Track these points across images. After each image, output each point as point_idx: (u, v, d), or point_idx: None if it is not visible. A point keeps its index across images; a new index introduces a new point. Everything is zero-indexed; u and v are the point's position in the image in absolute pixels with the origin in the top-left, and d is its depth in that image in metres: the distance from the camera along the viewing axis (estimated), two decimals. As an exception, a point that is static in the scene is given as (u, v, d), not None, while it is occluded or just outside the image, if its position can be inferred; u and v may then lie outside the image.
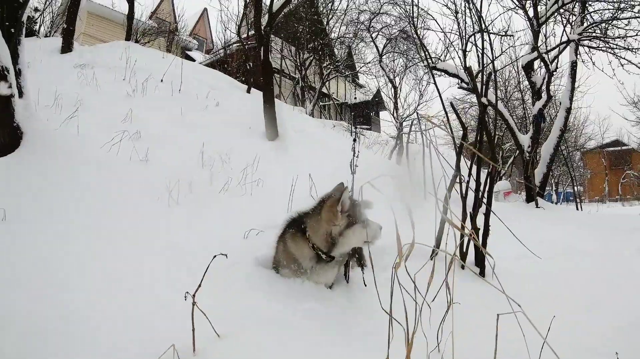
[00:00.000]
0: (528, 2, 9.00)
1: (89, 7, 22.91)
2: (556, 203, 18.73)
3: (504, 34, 9.77)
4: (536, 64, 9.87)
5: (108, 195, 3.14)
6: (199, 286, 1.60)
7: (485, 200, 2.94)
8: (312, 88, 21.89)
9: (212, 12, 33.60)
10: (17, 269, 2.13)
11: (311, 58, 21.28)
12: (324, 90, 21.88)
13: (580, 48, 9.39)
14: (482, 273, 2.80)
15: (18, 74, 4.03)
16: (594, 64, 9.75)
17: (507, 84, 17.14)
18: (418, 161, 7.04)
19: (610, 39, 9.01)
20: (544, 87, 8.99)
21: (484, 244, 2.67)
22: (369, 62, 22.04)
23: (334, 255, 2.47)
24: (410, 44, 16.78)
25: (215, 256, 1.68)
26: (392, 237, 2.49)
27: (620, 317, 2.36)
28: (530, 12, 8.83)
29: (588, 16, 9.13)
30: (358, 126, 19.94)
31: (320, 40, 20.85)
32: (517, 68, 13.11)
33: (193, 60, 20.98)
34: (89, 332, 1.77)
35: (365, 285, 2.65)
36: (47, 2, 16.76)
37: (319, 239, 2.43)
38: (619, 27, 8.82)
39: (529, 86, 12.05)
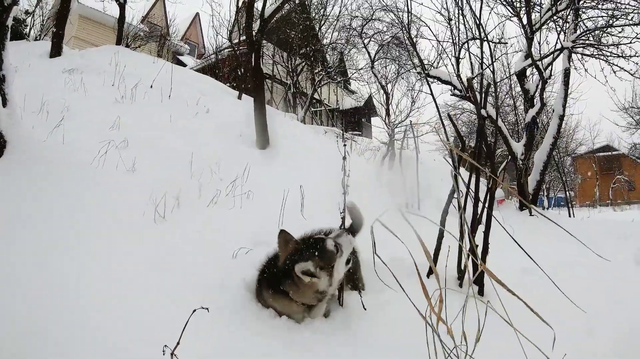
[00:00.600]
0: (522, 9, 8.99)
1: (80, 11, 22.76)
2: (547, 208, 18.81)
3: (497, 41, 9.75)
4: (529, 71, 9.88)
5: (90, 209, 3.00)
6: (178, 343, 1.46)
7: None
8: (303, 94, 21.82)
9: (204, 17, 33.36)
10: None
11: (303, 64, 21.22)
12: (316, 96, 21.80)
13: (573, 55, 9.40)
14: (480, 292, 2.71)
15: (2, 80, 3.89)
16: (586, 71, 9.76)
17: (499, 91, 17.18)
18: (411, 167, 7.00)
19: (603, 47, 9.01)
20: (537, 95, 8.97)
21: (483, 261, 2.58)
22: (361, 69, 22.03)
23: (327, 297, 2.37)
24: (403, 50, 16.77)
25: (195, 310, 1.56)
26: (386, 253, 2.40)
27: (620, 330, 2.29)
28: (524, 20, 8.81)
29: (581, 23, 9.15)
30: (350, 132, 19.90)
31: (312, 46, 20.79)
32: (510, 75, 13.12)
33: (184, 65, 20.87)
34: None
35: (365, 309, 2.50)
36: (37, 4, 16.57)
37: (309, 299, 2.29)
38: (613, 35, 8.83)
39: (520, 93, 12.07)
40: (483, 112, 3.01)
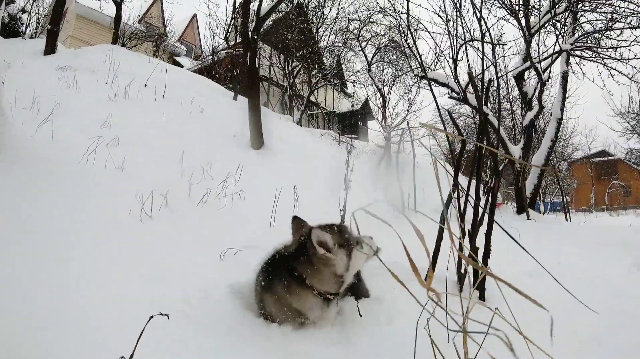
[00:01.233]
0: (520, 12, 8.94)
1: (77, 10, 22.68)
2: (543, 213, 18.78)
3: (496, 42, 9.69)
4: (526, 74, 9.82)
5: (74, 207, 2.88)
6: (132, 356, 1.33)
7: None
8: (300, 96, 21.78)
9: (202, 18, 33.35)
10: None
11: (300, 66, 21.18)
12: (312, 99, 21.76)
13: (571, 59, 9.35)
14: (482, 296, 2.61)
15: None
16: (584, 74, 9.72)
17: (495, 94, 17.15)
18: (407, 170, 6.91)
19: (602, 49, 8.97)
20: (535, 97, 8.91)
21: (485, 265, 2.48)
22: (358, 71, 22.01)
23: (341, 291, 2.20)
24: (400, 53, 16.72)
25: (152, 317, 1.42)
26: (384, 256, 2.29)
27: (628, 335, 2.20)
28: (523, 22, 8.76)
29: (580, 26, 9.10)
30: (346, 135, 19.82)
31: (309, 49, 20.75)
32: (507, 78, 13.07)
33: (181, 66, 20.76)
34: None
35: (361, 316, 2.30)
36: (33, 2, 16.47)
37: (326, 285, 2.09)
38: (611, 38, 8.79)
39: (517, 96, 12.02)
40: (486, 112, 2.91)
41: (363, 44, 18.62)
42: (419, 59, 8.96)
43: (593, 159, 34.86)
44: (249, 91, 6.75)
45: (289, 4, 19.90)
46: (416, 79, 15.17)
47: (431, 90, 4.29)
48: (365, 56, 18.88)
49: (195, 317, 2.02)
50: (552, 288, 3.02)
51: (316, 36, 21.36)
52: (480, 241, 2.75)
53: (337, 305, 2.25)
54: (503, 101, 16.73)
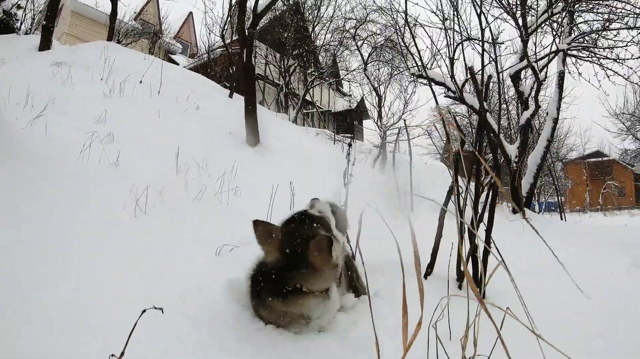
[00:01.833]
0: (517, 12, 8.95)
1: (73, 7, 22.56)
2: (538, 213, 18.84)
3: (493, 41, 9.71)
4: (522, 73, 9.83)
5: (64, 203, 2.83)
6: (122, 353, 1.27)
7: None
8: (295, 95, 21.74)
9: (198, 16, 33.21)
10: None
11: (295, 65, 21.13)
12: (308, 97, 21.72)
13: (568, 59, 9.37)
14: (482, 294, 2.59)
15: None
16: (580, 74, 9.76)
17: (491, 93, 17.18)
18: (402, 170, 6.90)
19: (598, 49, 9.00)
20: (532, 97, 8.92)
21: (485, 262, 2.45)
22: (354, 70, 21.96)
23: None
24: (396, 52, 16.70)
25: (144, 310, 1.36)
26: (379, 254, 2.25)
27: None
28: (520, 22, 8.77)
29: (576, 27, 9.13)
30: (341, 134, 19.80)
31: (305, 47, 20.71)
32: (503, 77, 13.11)
33: (177, 64, 20.67)
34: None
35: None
36: (28, -1, 16.36)
37: (327, 282, 1.98)
38: (608, 38, 8.81)
39: (513, 96, 12.05)
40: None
41: (359, 43, 18.58)
42: (418, 55, 8.97)
43: (588, 160, 35.07)
44: (245, 89, 6.71)
45: (285, 1, 19.86)
46: (413, 78, 15.17)
47: (431, 87, 4.27)
48: (361, 55, 18.86)
49: (192, 314, 1.98)
50: (553, 286, 3.02)
51: (312, 35, 21.31)
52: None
53: (339, 291, 2.15)
54: (499, 100, 16.80)
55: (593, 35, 8.97)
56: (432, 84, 9.41)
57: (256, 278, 2.01)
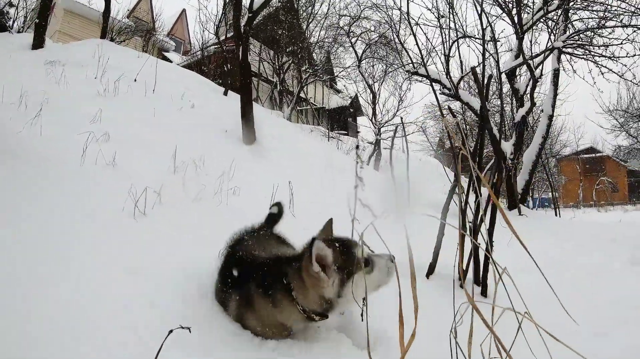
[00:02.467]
0: (513, 9, 8.97)
1: (65, 5, 22.37)
2: (532, 209, 18.93)
3: (495, 40, 9.73)
4: (517, 70, 9.86)
5: (63, 203, 2.79)
6: None
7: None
8: (289, 92, 21.66)
9: (191, 13, 33.00)
10: None
11: (289, 62, 21.05)
12: (302, 94, 21.65)
13: (562, 56, 9.40)
14: (483, 293, 2.59)
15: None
16: (574, 71, 9.79)
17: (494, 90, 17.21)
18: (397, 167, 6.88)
19: (594, 47, 9.04)
20: (527, 94, 8.95)
21: (486, 261, 2.45)
22: (348, 67, 21.90)
23: (331, 314, 1.91)
24: (390, 49, 16.68)
25: (171, 331, 1.34)
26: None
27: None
28: (515, 19, 8.79)
29: (571, 24, 9.16)
30: (335, 131, 19.78)
31: (299, 44, 20.63)
32: (497, 74, 13.14)
33: (170, 61, 20.56)
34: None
35: (362, 320, 2.09)
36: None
37: (309, 303, 1.85)
38: (603, 36, 8.85)
39: (507, 94, 12.09)
40: (477, 108, 2.88)
41: (353, 40, 18.52)
42: (419, 52, 8.95)
43: (581, 156, 35.25)
44: (241, 86, 6.67)
45: (279, -1, 19.80)
46: (407, 75, 15.16)
47: (432, 86, 4.26)
48: (355, 52, 18.79)
49: (192, 315, 1.98)
50: (553, 283, 3.02)
51: (307, 32, 21.24)
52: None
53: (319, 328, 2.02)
54: (494, 97, 16.82)
55: (588, 33, 9.00)
56: (427, 81, 9.42)
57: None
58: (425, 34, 13.72)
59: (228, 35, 15.84)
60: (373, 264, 1.87)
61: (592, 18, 8.83)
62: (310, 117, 25.73)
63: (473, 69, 2.98)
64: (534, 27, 9.04)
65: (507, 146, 8.90)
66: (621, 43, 8.45)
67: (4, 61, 7.25)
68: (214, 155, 5.04)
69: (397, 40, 12.08)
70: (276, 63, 20.85)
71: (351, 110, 28.29)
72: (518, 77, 10.59)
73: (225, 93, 10.40)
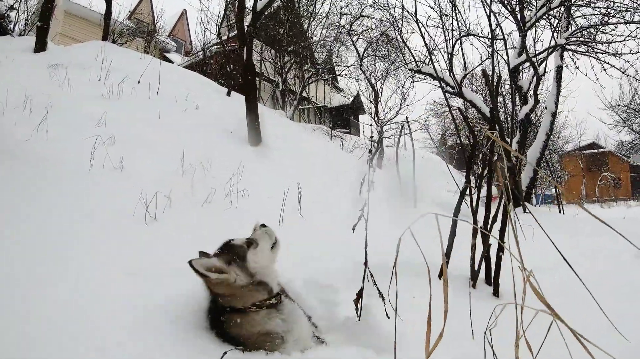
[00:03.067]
0: (516, 7, 8.96)
1: (66, 7, 22.34)
2: (535, 205, 18.93)
3: (504, 39, 9.72)
4: (520, 68, 9.84)
5: (74, 209, 2.80)
6: None
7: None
8: (292, 92, 21.64)
9: (192, 13, 32.99)
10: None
11: (291, 61, 21.03)
12: (304, 93, 21.62)
13: (565, 53, 9.40)
14: (495, 293, 2.59)
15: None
16: (577, 68, 9.78)
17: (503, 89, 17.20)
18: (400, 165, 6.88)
19: (596, 44, 9.04)
20: (531, 92, 8.94)
21: (499, 261, 2.46)
22: (350, 66, 21.88)
23: (272, 287, 2.02)
24: (392, 47, 16.65)
25: (225, 352, 1.34)
26: (392, 255, 2.24)
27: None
28: (518, 17, 8.78)
29: (574, 21, 9.15)
30: (338, 130, 19.75)
31: (300, 44, 20.60)
32: (499, 71, 13.13)
33: (171, 62, 20.57)
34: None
35: (388, 317, 2.09)
36: (21, 0, 16.21)
37: (250, 298, 1.94)
38: (605, 33, 8.84)
39: (510, 91, 12.09)
40: (480, 105, 2.87)
41: (354, 39, 18.50)
42: (427, 50, 8.94)
43: (584, 152, 35.19)
44: (246, 87, 6.66)
45: (283, -2, 19.76)
46: (410, 74, 15.13)
47: (441, 85, 4.25)
48: (357, 51, 18.77)
49: (192, 317, 2.00)
50: (558, 281, 3.02)
51: (308, 31, 21.21)
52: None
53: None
54: (500, 94, 16.81)
55: (591, 29, 8.99)
56: (431, 79, 9.42)
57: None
58: (427, 32, 13.74)
59: (230, 36, 15.81)
60: (255, 239, 2.09)
61: (594, 15, 8.82)
62: (313, 116, 25.70)
63: (484, 71, 2.98)
64: (536, 24, 9.03)
65: (512, 144, 8.90)
66: (624, 40, 8.45)
67: (6, 65, 7.25)
68: (221, 156, 5.04)
69: (399, 38, 12.07)
70: (278, 63, 20.81)
71: (353, 108, 28.25)
72: (521, 73, 10.59)
73: (229, 94, 10.39)
